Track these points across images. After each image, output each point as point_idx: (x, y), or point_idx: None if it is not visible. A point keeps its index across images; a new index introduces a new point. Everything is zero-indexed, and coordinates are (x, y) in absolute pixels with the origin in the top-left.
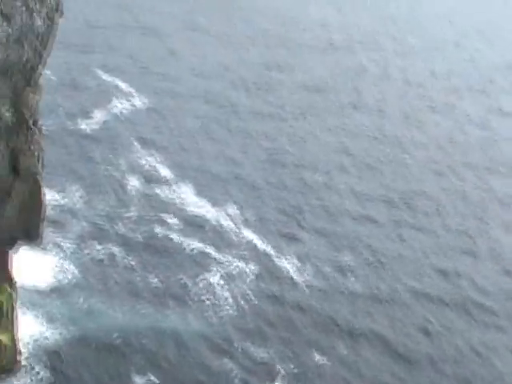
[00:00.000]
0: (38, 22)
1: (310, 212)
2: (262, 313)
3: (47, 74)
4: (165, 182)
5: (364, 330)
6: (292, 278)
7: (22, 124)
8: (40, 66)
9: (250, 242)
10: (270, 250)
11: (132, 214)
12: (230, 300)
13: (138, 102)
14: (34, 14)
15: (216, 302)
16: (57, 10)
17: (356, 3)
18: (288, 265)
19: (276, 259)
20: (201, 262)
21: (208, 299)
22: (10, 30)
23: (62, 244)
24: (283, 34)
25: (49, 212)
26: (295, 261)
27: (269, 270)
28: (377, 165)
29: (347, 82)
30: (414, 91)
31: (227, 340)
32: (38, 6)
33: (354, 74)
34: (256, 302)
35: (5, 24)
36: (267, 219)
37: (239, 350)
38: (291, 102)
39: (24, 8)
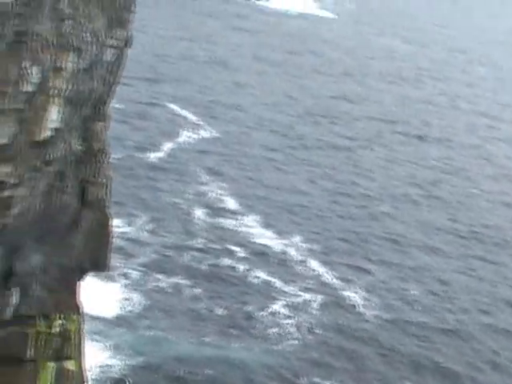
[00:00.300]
0: (108, 54)
1: (377, 242)
2: (327, 344)
3: (116, 105)
4: (231, 212)
5: (431, 362)
6: (358, 309)
7: (91, 155)
8: (108, 97)
9: (315, 273)
10: (335, 280)
11: (198, 243)
12: (295, 331)
13: (205, 132)
14: (104, 45)
15: (281, 332)
16: (126, 41)
17: (423, 33)
18: (354, 295)
19: (342, 290)
20: (266, 293)
21: (273, 330)
22: (80, 62)
23: (128, 273)
24: (349, 64)
25: (115, 241)
26: (361, 291)
27: (334, 301)
28: (445, 196)
29: (415, 112)
30: (482, 122)
31: (292, 371)
32: (107, 38)
33: (421, 104)
34: (321, 333)
35: (75, 56)
36: (333, 249)
37: (304, 381)
38: (358, 133)
39: (94, 40)
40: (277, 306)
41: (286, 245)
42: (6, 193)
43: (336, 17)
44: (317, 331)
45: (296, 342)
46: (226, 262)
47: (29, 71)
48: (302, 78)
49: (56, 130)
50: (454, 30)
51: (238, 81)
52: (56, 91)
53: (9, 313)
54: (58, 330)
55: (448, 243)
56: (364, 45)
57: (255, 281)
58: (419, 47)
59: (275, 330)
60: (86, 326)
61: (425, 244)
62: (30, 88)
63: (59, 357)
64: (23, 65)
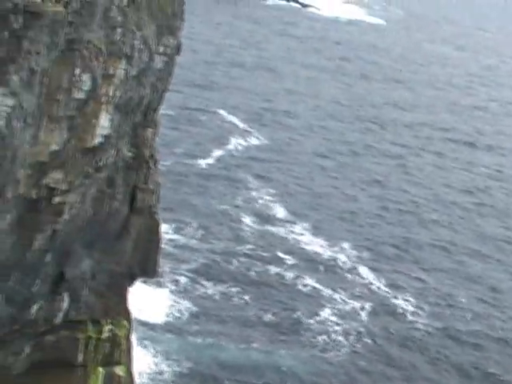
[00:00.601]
0: (158, 61)
1: (427, 250)
2: (376, 352)
3: (166, 111)
4: (280, 218)
5: (481, 371)
6: (408, 317)
7: (141, 162)
8: (158, 104)
9: (364, 280)
10: (385, 287)
11: (247, 250)
12: (344, 338)
13: (255, 139)
14: (154, 53)
15: (330, 340)
16: (176, 49)
17: (473, 39)
18: (404, 303)
19: (391, 297)
20: (314, 300)
21: (322, 337)
22: (130, 69)
23: (177, 279)
24: (399, 70)
25: (164, 247)
26: (411, 299)
27: (384, 309)
28: (496, 203)
29: (466, 118)
30: None
31: (341, 379)
32: (157, 46)
33: (472, 110)
34: (370, 341)
35: (126, 63)
36: (383, 256)
37: None
38: (408, 140)
39: (144, 47)
40: (325, 314)
41: (335, 251)
42: (57, 199)
43: (385, 23)
44: (366, 339)
45: (344, 349)
46: (275, 268)
47: (80, 78)
48: (351, 85)
49: (106, 136)
50: (504, 35)
51: (287, 87)
52: (107, 98)
53: (59, 318)
54: (107, 335)
55: (499, 251)
56: (414, 51)
57: (304, 288)
58: (470, 53)
59: (324, 337)
60: (135, 332)
61: (476, 251)
62: (81, 95)
63: (109, 362)
64: (75, 72)
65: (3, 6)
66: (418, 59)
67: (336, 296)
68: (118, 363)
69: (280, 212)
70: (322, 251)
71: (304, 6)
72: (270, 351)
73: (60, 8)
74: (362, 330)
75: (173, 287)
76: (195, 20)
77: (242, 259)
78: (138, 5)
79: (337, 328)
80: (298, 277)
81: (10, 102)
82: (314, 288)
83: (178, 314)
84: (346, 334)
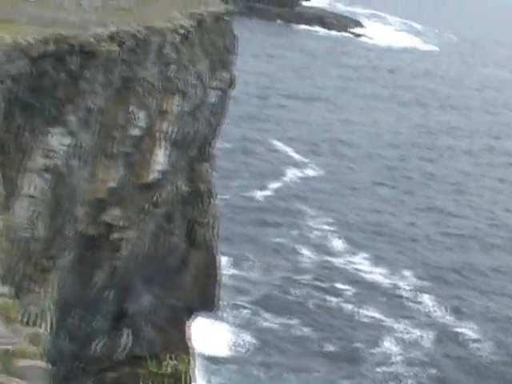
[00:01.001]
0: (211, 96)
1: (490, 275)
2: (441, 381)
3: (222, 144)
4: (338, 248)
5: None
6: (473, 345)
7: (198, 196)
8: (213, 138)
9: (426, 308)
10: (448, 315)
11: (305, 281)
12: (407, 368)
13: (311, 169)
14: (208, 88)
15: (392, 370)
16: (229, 83)
17: None
18: (467, 330)
19: (455, 325)
20: (375, 329)
21: (383, 368)
22: (185, 105)
23: (237, 311)
24: (453, 96)
25: (223, 279)
26: (475, 326)
27: (447, 337)
28: None
29: None
30: None
31: None
32: (211, 81)
33: None
34: (434, 371)
35: (180, 99)
36: (444, 283)
37: None
38: (466, 165)
39: (198, 83)
40: (387, 343)
41: (395, 280)
42: (116, 235)
43: (438, 49)
44: (429, 368)
45: (407, 379)
46: (335, 299)
47: (135, 116)
48: (407, 112)
49: (163, 172)
50: None
51: (342, 117)
52: (162, 134)
53: (121, 354)
54: (168, 370)
55: None
56: (468, 76)
57: (364, 317)
58: None
59: (385, 367)
60: (197, 366)
61: None
62: (136, 132)
63: None
64: (130, 109)
65: (60, 47)
66: (472, 84)
67: (397, 325)
68: None
69: (338, 242)
70: (382, 280)
71: (356, 35)
72: (331, 381)
73: (115, 47)
74: (425, 359)
75: (232, 320)
76: (247, 53)
77: (302, 290)
78: (190, 41)
79: (399, 358)
80: (358, 306)
81: (68, 141)
82: (375, 317)
83: (238, 347)
84: (408, 363)
